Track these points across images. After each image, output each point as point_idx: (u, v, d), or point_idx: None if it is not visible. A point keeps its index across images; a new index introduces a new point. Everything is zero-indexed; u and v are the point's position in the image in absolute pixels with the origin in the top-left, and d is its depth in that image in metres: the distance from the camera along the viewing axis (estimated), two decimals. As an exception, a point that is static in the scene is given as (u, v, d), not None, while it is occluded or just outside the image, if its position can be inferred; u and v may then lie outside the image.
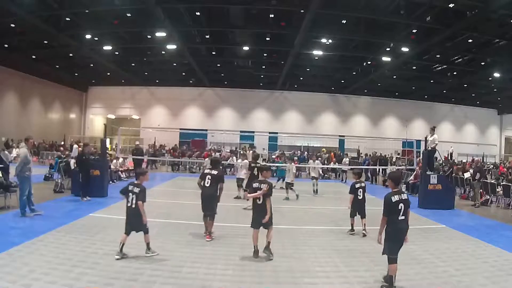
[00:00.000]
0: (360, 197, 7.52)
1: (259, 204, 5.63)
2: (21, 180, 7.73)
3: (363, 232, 7.32)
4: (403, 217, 4.49)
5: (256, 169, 10.56)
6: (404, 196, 4.56)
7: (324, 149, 26.29)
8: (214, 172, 6.51)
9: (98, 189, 10.46)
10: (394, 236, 4.49)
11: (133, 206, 5.35)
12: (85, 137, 31.67)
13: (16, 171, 7.78)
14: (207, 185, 6.43)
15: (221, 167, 6.85)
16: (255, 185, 5.71)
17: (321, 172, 21.26)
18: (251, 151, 14.76)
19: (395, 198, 4.49)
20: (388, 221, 4.50)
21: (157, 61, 26.00)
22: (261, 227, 5.62)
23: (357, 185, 7.56)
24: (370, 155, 25.60)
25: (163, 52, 22.93)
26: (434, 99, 34.03)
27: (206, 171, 6.57)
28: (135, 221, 5.36)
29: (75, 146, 20.22)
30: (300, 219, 9.09)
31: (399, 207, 4.46)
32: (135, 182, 5.56)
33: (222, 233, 7.23)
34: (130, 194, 5.40)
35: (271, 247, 5.70)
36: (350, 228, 7.54)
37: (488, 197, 12.69)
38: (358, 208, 7.50)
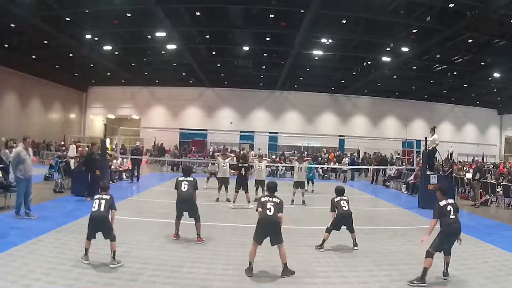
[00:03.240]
0: (346, 208, 6.45)
1: (269, 215, 5.12)
2: (16, 180, 7.63)
3: (355, 248, 6.47)
4: (453, 217, 5.05)
5: (244, 169, 10.57)
6: (451, 201, 5.18)
7: (324, 149, 26.31)
8: (191, 179, 6.75)
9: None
10: (446, 235, 5.02)
11: (101, 209, 5.21)
12: (85, 137, 31.68)
13: (11, 170, 7.73)
14: (184, 189, 6.58)
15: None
16: (264, 199, 5.29)
17: (321, 172, 21.34)
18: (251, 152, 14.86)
19: (443, 202, 5.13)
20: (442, 223, 5.03)
21: (157, 61, 25.98)
22: (261, 244, 5.15)
23: (337, 199, 6.55)
24: (372, 155, 25.61)
25: (163, 52, 22.91)
26: (434, 99, 33.99)
27: (180, 178, 6.75)
28: (100, 226, 5.21)
29: (73, 146, 20.23)
30: (300, 219, 9.10)
31: (448, 209, 5.06)
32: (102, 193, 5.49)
33: (222, 233, 7.24)
34: (97, 200, 5.31)
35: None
36: (321, 243, 6.39)
37: (488, 197, 12.70)
38: (344, 221, 6.44)
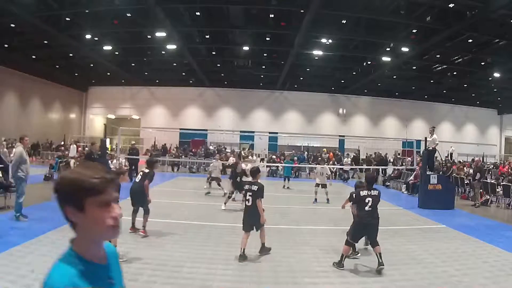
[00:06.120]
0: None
1: (248, 206, 5.63)
2: (18, 181, 7.49)
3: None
4: (369, 209, 5.22)
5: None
6: (374, 193, 5.33)
7: (325, 149, 26.31)
8: (146, 170, 6.89)
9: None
10: (358, 225, 5.35)
11: None
12: (85, 137, 31.68)
13: (11, 171, 7.60)
14: (137, 180, 6.78)
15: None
16: (247, 186, 5.76)
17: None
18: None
19: (363, 192, 5.32)
20: (358, 213, 5.35)
21: (157, 61, 25.97)
22: (252, 229, 5.66)
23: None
24: (372, 155, 25.62)
25: (163, 52, 22.91)
26: (434, 99, 33.98)
27: (144, 169, 6.86)
28: None
29: (73, 146, 20.23)
30: (300, 219, 9.09)
31: (366, 201, 5.23)
32: None
33: (222, 233, 7.23)
34: None
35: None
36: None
37: (488, 197, 12.70)
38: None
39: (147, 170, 6.75)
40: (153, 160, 7.15)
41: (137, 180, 6.72)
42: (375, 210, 5.32)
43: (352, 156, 25.08)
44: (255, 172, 6.03)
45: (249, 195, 5.62)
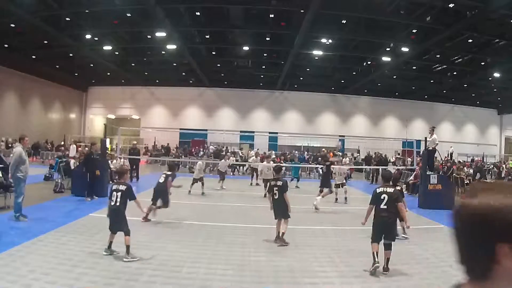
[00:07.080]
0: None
1: (276, 199, 6.49)
2: (16, 181, 7.42)
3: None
4: (384, 207, 5.07)
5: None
6: (390, 190, 5.17)
7: (324, 149, 26.26)
8: (169, 172, 7.84)
9: (99, 189, 10.46)
10: (374, 223, 5.18)
11: (117, 204, 5.30)
12: (85, 137, 31.67)
13: (10, 171, 7.52)
14: (161, 181, 7.80)
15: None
16: (272, 182, 6.68)
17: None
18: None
19: (379, 189, 5.21)
20: (375, 211, 5.16)
21: (157, 61, 25.99)
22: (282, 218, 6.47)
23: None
24: (372, 155, 25.60)
25: (163, 52, 22.92)
26: (434, 99, 33.99)
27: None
28: (115, 220, 5.34)
29: (73, 146, 20.22)
30: (300, 219, 9.08)
31: (382, 197, 5.10)
32: (119, 181, 5.61)
33: (222, 233, 7.23)
34: (115, 192, 5.35)
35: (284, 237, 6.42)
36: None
37: (488, 197, 12.68)
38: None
39: (169, 172, 7.84)
40: (174, 163, 8.22)
41: (160, 181, 7.71)
42: (392, 207, 5.09)
43: (361, 156, 25.15)
44: (279, 169, 7.04)
45: (276, 190, 6.46)
